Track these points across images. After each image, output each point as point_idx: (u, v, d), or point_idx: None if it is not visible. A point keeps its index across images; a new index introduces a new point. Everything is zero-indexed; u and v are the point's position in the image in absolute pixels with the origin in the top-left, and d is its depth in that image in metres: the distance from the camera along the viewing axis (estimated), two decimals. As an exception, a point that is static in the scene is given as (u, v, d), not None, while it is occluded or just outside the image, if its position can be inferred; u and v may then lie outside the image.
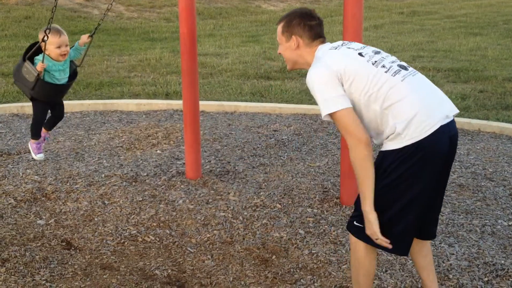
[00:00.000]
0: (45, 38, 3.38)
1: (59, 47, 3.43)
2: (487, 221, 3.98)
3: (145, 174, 4.80)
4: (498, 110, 6.87)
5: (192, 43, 4.42)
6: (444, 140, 2.51)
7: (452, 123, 2.57)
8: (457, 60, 9.92)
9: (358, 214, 2.65)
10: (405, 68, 2.60)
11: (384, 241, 2.55)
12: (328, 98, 2.50)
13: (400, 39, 12.58)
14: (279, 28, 2.77)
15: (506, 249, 3.61)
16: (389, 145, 2.53)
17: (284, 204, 4.24)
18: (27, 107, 7.03)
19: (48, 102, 3.79)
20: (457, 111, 2.61)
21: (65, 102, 7.20)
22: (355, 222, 2.67)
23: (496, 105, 7.05)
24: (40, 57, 3.52)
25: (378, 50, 2.69)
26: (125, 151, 5.44)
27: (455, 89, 7.89)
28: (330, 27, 14.56)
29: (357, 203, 2.68)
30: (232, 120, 6.59)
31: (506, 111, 6.82)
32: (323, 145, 5.58)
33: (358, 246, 2.68)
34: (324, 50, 2.68)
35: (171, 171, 4.85)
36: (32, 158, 4.59)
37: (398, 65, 2.60)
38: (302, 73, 9.20)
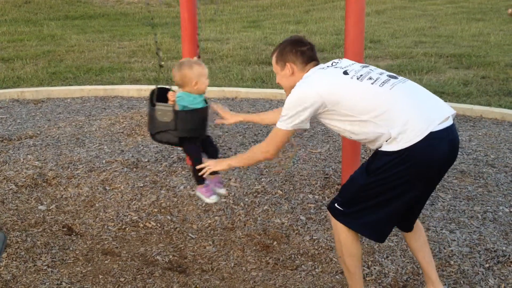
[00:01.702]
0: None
1: (207, 78, 3.14)
2: (489, 207, 3.98)
3: (146, 160, 4.79)
4: (500, 96, 6.83)
5: (193, 28, 4.40)
6: (442, 146, 2.51)
7: (451, 127, 2.56)
8: (459, 45, 9.86)
9: (341, 198, 2.70)
10: (395, 77, 2.63)
11: (204, 168, 3.00)
12: (291, 116, 2.63)
13: (402, 25, 12.49)
14: (273, 59, 2.86)
15: (507, 235, 3.61)
16: (385, 147, 2.55)
17: (285, 191, 4.24)
18: (27, 92, 7.01)
19: (196, 141, 3.28)
20: (454, 112, 2.60)
21: (64, 88, 7.24)
22: (336, 204, 2.71)
23: (498, 91, 7.01)
24: (180, 93, 3.13)
25: (366, 65, 2.73)
26: (126, 137, 5.43)
27: (457, 75, 7.85)
28: (332, 13, 14.48)
29: (344, 187, 2.74)
30: (233, 106, 6.57)
31: (508, 97, 6.79)
32: (324, 131, 5.57)
33: (339, 227, 2.72)
34: (313, 70, 2.74)
35: (172, 157, 4.84)
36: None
37: (387, 75, 2.63)
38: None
